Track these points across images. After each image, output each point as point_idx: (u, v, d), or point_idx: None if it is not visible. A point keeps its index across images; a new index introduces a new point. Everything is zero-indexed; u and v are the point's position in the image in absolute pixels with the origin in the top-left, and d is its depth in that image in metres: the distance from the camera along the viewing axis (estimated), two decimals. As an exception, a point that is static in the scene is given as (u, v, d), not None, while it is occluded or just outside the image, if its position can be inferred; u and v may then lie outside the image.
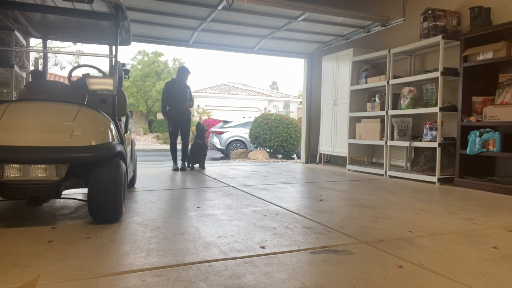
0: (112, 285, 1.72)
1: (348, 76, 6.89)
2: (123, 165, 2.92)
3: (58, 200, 3.60)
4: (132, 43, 4.50)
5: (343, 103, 7.11)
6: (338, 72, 7.28)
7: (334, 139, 7.40)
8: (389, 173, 5.87)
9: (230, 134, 14.38)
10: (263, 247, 2.28)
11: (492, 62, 4.56)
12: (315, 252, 2.22)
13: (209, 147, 7.68)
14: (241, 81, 47.54)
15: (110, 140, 2.86)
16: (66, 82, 3.84)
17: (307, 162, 8.48)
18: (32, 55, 8.09)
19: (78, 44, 13.44)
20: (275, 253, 2.19)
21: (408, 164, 6.04)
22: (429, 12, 5.27)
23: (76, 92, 3.64)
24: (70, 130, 2.70)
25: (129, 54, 55.32)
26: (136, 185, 4.66)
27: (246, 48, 7.90)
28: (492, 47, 4.55)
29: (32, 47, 7.74)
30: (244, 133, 14.14)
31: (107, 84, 3.76)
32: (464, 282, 1.81)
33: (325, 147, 7.75)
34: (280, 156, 12.55)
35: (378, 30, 6.64)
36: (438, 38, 5.06)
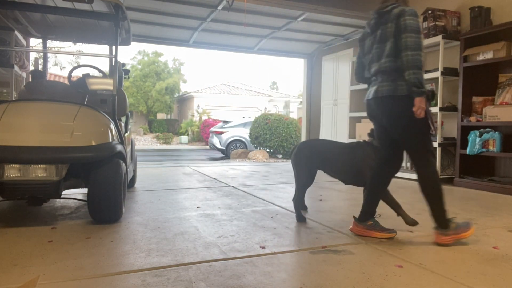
0: (112, 285, 1.72)
1: (348, 76, 6.88)
2: (123, 165, 2.92)
3: (58, 200, 3.60)
4: (132, 43, 4.49)
5: (343, 103, 7.11)
6: (338, 72, 7.28)
7: (334, 139, 7.39)
8: (389, 173, 5.86)
9: (230, 134, 14.38)
10: (263, 247, 2.28)
11: (492, 62, 4.56)
12: (315, 252, 2.21)
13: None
14: (241, 81, 47.56)
15: (110, 140, 2.86)
16: (66, 82, 3.84)
17: (307, 162, 8.47)
18: (32, 55, 8.11)
19: (78, 44, 13.44)
20: (275, 253, 2.19)
21: (408, 164, 6.04)
22: (429, 12, 5.27)
23: (76, 92, 3.64)
24: (70, 130, 2.70)
25: (129, 54, 55.34)
26: (136, 185, 4.66)
27: (246, 48, 7.90)
28: (492, 47, 4.55)
29: (32, 47, 7.74)
30: (244, 133, 14.14)
31: (107, 84, 3.76)
32: (464, 282, 1.81)
33: (325, 147, 7.74)
34: (280, 156, 12.54)
35: (378, 30, 6.63)
36: (438, 38, 5.05)
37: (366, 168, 2.72)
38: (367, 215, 2.57)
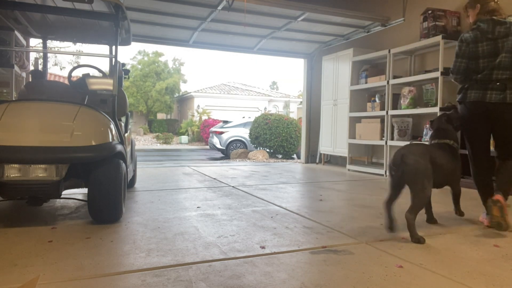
0: (112, 285, 1.72)
1: (348, 76, 6.89)
2: (123, 165, 2.92)
3: (58, 200, 3.60)
4: (132, 43, 4.49)
5: (343, 103, 7.11)
6: (338, 72, 7.28)
7: (334, 139, 7.40)
8: (389, 173, 5.86)
9: (230, 134, 14.39)
10: (263, 247, 2.29)
11: (492, 62, 4.56)
12: (315, 252, 2.22)
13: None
14: (241, 81, 47.53)
15: (110, 140, 2.86)
16: (66, 82, 3.84)
17: (307, 162, 8.48)
18: (32, 55, 8.10)
19: (78, 44, 13.44)
20: (275, 253, 2.19)
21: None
22: (429, 12, 5.27)
23: (76, 92, 3.64)
24: (70, 130, 2.70)
25: (129, 54, 55.38)
26: (136, 185, 4.66)
27: (246, 48, 7.90)
28: (492, 47, 4.54)
29: (32, 47, 7.74)
30: (244, 133, 14.15)
31: (107, 84, 3.76)
32: (464, 282, 1.81)
33: (325, 147, 7.75)
34: (280, 156, 12.55)
35: (378, 30, 6.64)
36: (438, 38, 5.05)
37: (454, 167, 2.84)
38: None
